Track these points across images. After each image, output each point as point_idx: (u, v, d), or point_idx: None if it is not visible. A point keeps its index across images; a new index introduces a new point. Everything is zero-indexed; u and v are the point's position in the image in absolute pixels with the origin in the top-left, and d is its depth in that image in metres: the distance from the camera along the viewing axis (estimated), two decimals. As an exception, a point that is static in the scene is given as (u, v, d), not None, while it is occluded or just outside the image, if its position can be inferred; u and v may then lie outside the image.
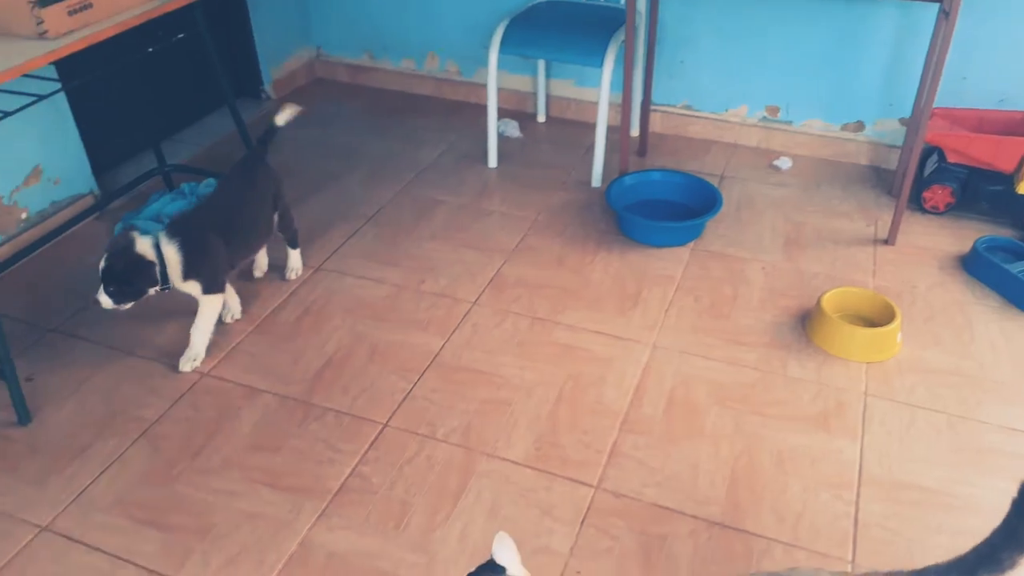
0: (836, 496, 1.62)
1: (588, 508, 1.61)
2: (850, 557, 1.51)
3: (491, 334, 2.06)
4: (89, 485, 1.65)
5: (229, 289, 2.05)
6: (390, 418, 1.82)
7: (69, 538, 1.54)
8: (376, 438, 1.77)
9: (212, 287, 1.93)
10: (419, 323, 2.10)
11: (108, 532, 1.55)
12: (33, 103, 1.75)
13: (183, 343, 1.99)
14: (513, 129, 3.01)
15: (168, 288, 1.87)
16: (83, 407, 1.84)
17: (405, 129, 3.08)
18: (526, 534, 1.54)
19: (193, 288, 1.90)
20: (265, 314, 2.13)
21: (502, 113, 2.96)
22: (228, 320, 2.09)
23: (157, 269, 1.83)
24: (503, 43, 2.60)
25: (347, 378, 1.93)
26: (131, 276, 1.81)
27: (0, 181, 2.22)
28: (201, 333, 1.96)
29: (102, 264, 1.79)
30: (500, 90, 2.76)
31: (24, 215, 2.32)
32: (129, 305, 1.85)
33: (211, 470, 1.69)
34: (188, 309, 2.02)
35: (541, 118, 3.14)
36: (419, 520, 1.58)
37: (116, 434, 1.77)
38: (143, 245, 1.82)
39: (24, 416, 1.79)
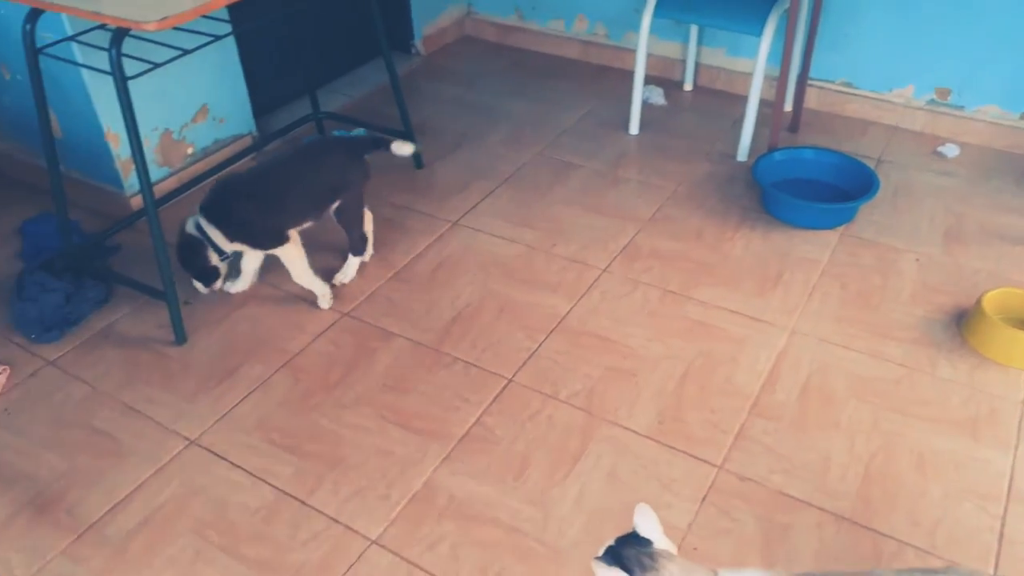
0: (980, 507, 1.52)
1: (710, 487, 1.58)
2: (991, 573, 1.41)
3: (620, 302, 2.04)
4: (234, 407, 1.77)
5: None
6: (515, 374, 1.84)
7: (214, 453, 1.66)
8: (501, 392, 1.80)
9: (265, 243, 1.97)
10: (548, 285, 2.11)
11: (249, 452, 1.66)
12: (209, 43, 1.86)
13: (328, 281, 2.09)
14: (658, 96, 2.94)
15: (227, 256, 1.96)
16: (232, 334, 1.97)
17: (547, 91, 3.07)
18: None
19: (244, 247, 1.98)
20: (404, 263, 2.20)
21: (647, 80, 2.89)
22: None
23: (207, 245, 1.91)
24: (658, 6, 2.53)
25: (476, 331, 1.97)
26: (191, 259, 1.92)
27: (172, 117, 2.37)
28: (299, 278, 2.03)
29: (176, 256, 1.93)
30: (648, 56, 2.70)
31: (190, 151, 2.47)
32: (219, 284, 2.00)
33: (345, 405, 1.77)
34: (335, 249, 2.12)
35: (688, 87, 3.05)
36: (537, 476, 1.60)
37: (261, 362, 1.89)
38: (189, 227, 1.92)
39: (180, 337, 1.93)
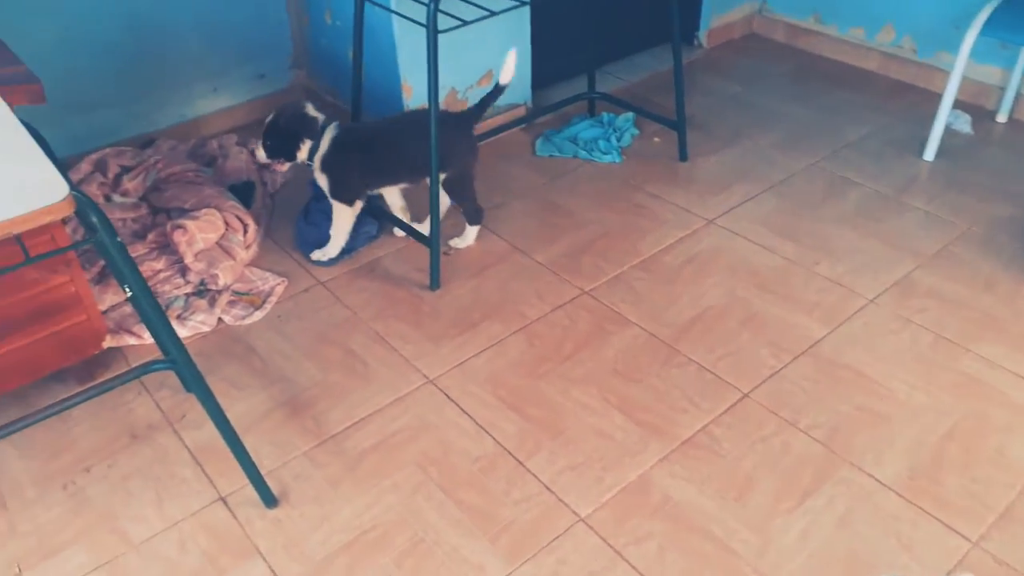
0: None
1: (959, 562, 1.39)
2: None
3: (884, 339, 1.85)
4: (471, 357, 1.84)
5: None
6: (752, 390, 1.74)
7: (447, 396, 1.74)
8: (734, 404, 1.71)
9: (338, 194, 2.00)
10: (805, 304, 1.97)
11: (478, 403, 1.72)
12: (515, 7, 1.92)
13: (576, 263, 2.11)
14: (964, 124, 2.63)
15: (310, 165, 1.97)
16: (480, 290, 2.05)
17: (833, 101, 2.86)
18: (877, 560, 1.38)
19: (324, 183, 1.99)
20: (651, 253, 2.16)
21: (955, 104, 2.59)
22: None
23: (319, 128, 1.93)
24: (987, 24, 2.25)
25: (716, 336, 1.88)
26: (292, 129, 1.92)
27: (459, 77, 2.50)
28: (335, 234, 2.06)
29: (268, 118, 1.94)
30: (960, 78, 2.41)
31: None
32: (283, 165, 2.00)
33: (573, 379, 1.77)
34: (587, 233, 2.12)
35: (1002, 118, 2.69)
36: (761, 501, 1.50)
37: (501, 321, 1.94)
38: (314, 111, 1.96)
39: (435, 282, 2.04)
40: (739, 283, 2.04)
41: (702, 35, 3.24)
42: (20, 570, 1.38)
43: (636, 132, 2.69)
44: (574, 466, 1.58)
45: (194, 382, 1.36)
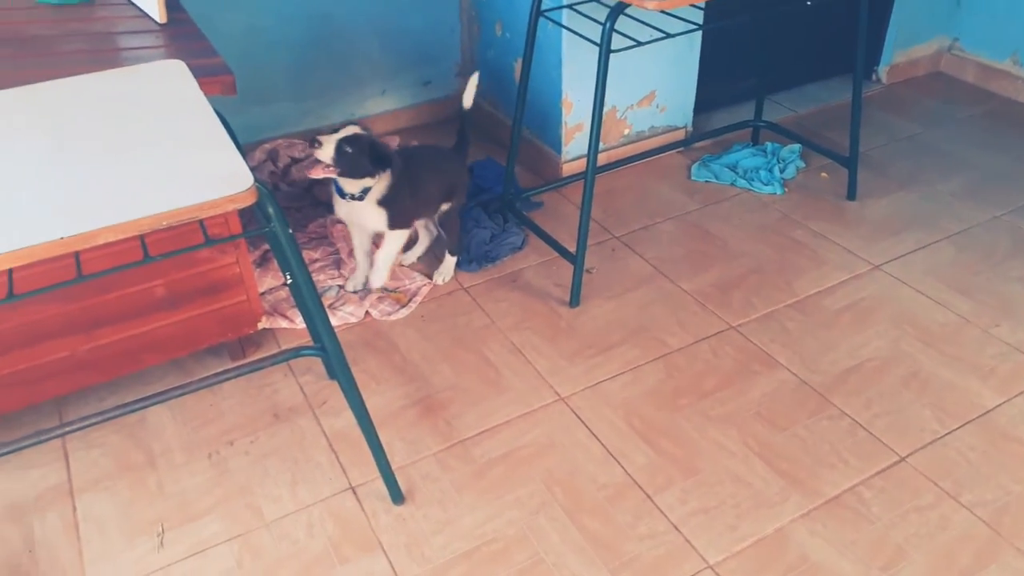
0: None
1: None
2: None
3: (1071, 417, 1.66)
4: (605, 380, 1.79)
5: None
6: (911, 454, 1.59)
7: (578, 416, 1.70)
8: (889, 467, 1.57)
9: (398, 223, 1.90)
10: (978, 368, 1.79)
11: (609, 428, 1.67)
12: (691, 31, 1.87)
13: (725, 295, 2.02)
14: None
15: (355, 198, 1.81)
16: (620, 313, 2.00)
17: (1028, 150, 2.61)
18: (1049, 668, 1.22)
19: (378, 217, 1.86)
20: (808, 293, 2.03)
21: None
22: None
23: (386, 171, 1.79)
24: None
25: (874, 391, 1.74)
26: (382, 156, 1.74)
27: (621, 96, 2.47)
28: (384, 259, 1.95)
29: (354, 129, 1.73)
30: None
31: (627, 131, 2.56)
32: (319, 171, 1.72)
33: (713, 418, 1.69)
34: (739, 265, 2.04)
35: None
36: (912, 577, 1.37)
37: (639, 346, 1.88)
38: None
39: (575, 300, 2.01)
40: (904, 336, 1.89)
41: (882, 70, 3.05)
42: (163, 530, 1.46)
43: (802, 165, 2.56)
44: (707, 509, 1.50)
45: (341, 371, 1.40)
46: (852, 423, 1.67)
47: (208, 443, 1.64)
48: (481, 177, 2.50)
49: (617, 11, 1.65)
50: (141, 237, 0.98)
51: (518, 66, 2.51)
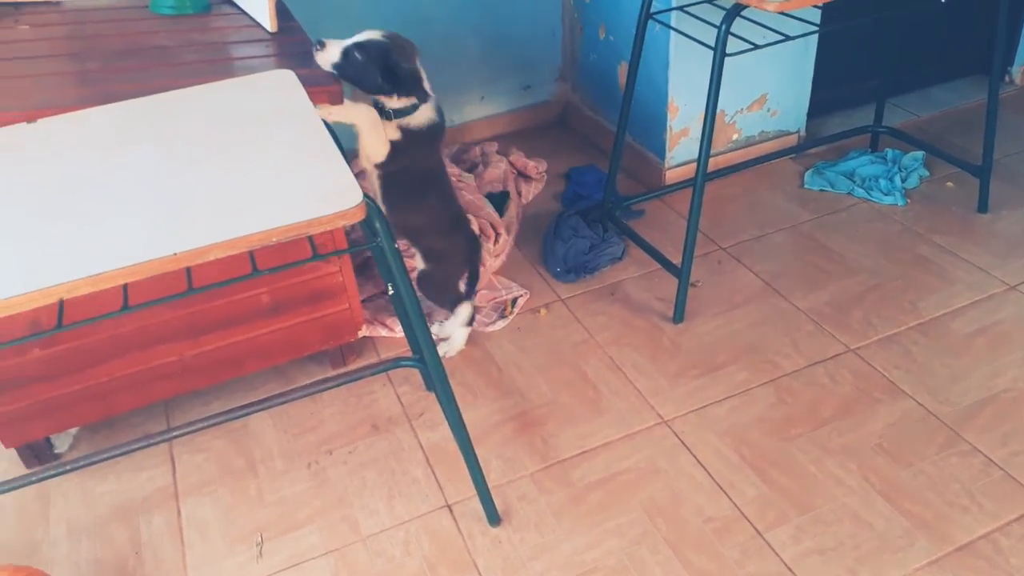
0: None
1: None
2: None
3: None
4: (711, 404, 1.70)
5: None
6: (1056, 500, 1.44)
7: (682, 442, 1.62)
8: (1031, 514, 1.43)
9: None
10: None
11: (715, 456, 1.58)
12: (810, 33, 1.76)
13: (843, 314, 1.90)
14: None
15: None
16: (727, 330, 1.90)
17: None
18: None
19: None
20: (935, 315, 1.88)
21: None
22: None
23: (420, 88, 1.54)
24: None
25: (1011, 426, 1.59)
26: (382, 67, 1.48)
27: (731, 100, 2.36)
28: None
29: (373, 34, 1.50)
30: None
31: (735, 136, 2.44)
32: (334, 72, 1.49)
33: (830, 449, 1.58)
34: (858, 282, 1.90)
35: None
36: (1061, 642, 1.23)
37: (748, 368, 1.78)
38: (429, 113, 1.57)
39: (679, 315, 1.92)
40: (1046, 366, 1.72)
41: (1015, 71, 2.81)
42: (262, 539, 1.47)
43: (926, 174, 2.39)
44: (822, 550, 1.39)
45: (439, 384, 1.37)
46: (986, 461, 1.53)
47: (308, 452, 1.65)
48: (580, 184, 2.44)
49: (734, 13, 1.56)
50: (251, 251, 0.97)
51: (622, 70, 2.44)
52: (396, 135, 1.57)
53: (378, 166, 1.61)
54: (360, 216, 0.97)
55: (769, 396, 1.71)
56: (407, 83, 1.52)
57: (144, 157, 1.10)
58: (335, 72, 1.50)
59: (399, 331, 1.92)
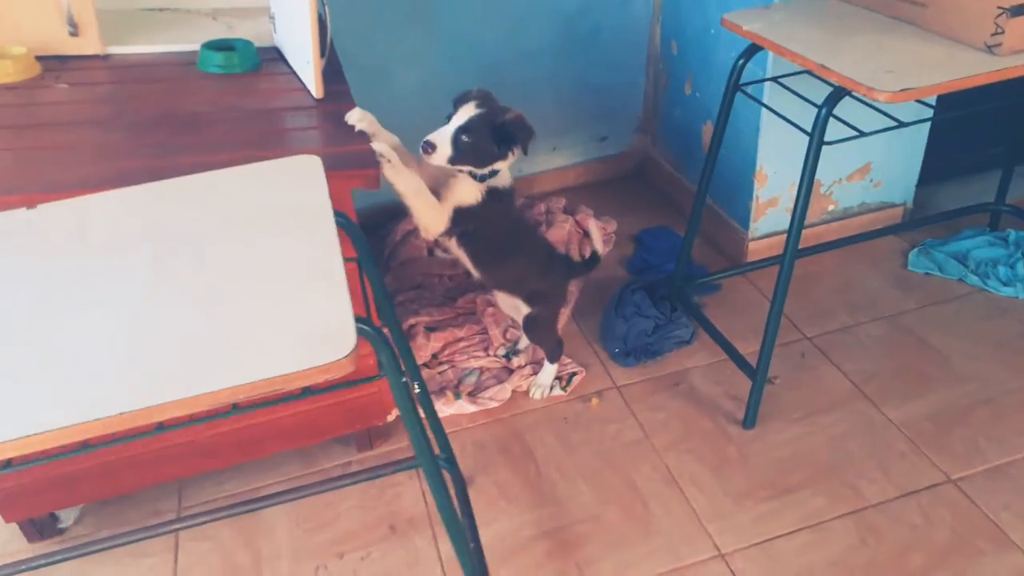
0: None
1: None
2: None
3: None
4: (779, 537, 1.47)
5: None
6: None
7: (739, 582, 1.39)
8: None
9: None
10: None
11: (778, 605, 1.35)
12: (924, 120, 1.50)
13: (945, 433, 1.63)
14: None
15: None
16: (805, 441, 1.65)
17: None
18: None
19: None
20: (1061, 447, 1.59)
21: None
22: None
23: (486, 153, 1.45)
24: None
25: None
26: (494, 136, 1.43)
27: (828, 168, 2.10)
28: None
29: (470, 109, 1.42)
30: None
31: (831, 208, 2.18)
32: (450, 165, 1.43)
33: (919, 617, 1.32)
34: (966, 393, 1.63)
35: None
36: None
37: (827, 494, 1.54)
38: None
39: (750, 420, 1.69)
40: None
41: None
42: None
43: (1056, 264, 2.06)
44: None
45: (442, 507, 1.19)
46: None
47: (318, 553, 1.50)
48: (651, 250, 2.23)
49: (835, 98, 1.33)
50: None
51: (706, 130, 2.22)
52: (478, 197, 1.50)
53: (453, 234, 1.53)
54: (350, 368, 0.81)
55: (849, 533, 1.46)
56: (520, 137, 1.47)
57: (127, 274, 0.96)
58: (451, 164, 1.44)
59: (436, 409, 1.76)
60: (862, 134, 1.40)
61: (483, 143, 1.44)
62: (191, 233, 1.04)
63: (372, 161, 1.32)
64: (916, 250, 2.15)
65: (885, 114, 1.43)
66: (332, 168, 1.22)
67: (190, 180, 1.14)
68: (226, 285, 0.93)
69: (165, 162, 1.28)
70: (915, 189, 2.25)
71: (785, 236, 1.49)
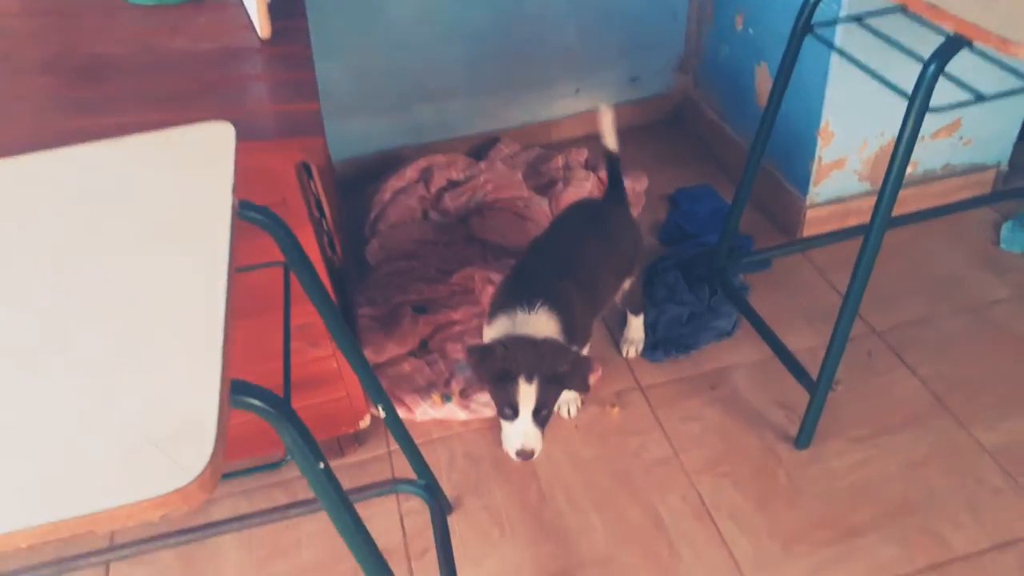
0: None
1: None
2: None
3: None
4: (839, 596, 1.17)
5: None
6: None
7: (788, 658, 1.10)
8: None
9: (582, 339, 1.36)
10: None
11: None
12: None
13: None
14: None
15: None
16: (872, 468, 1.34)
17: None
18: None
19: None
20: None
21: None
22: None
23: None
24: None
25: None
26: (576, 369, 1.21)
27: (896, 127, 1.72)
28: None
29: (520, 366, 1.17)
30: None
31: (909, 169, 1.79)
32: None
33: None
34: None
35: None
36: None
37: (899, 540, 1.23)
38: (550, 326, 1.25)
39: (804, 439, 1.37)
40: None
41: None
42: None
43: None
44: None
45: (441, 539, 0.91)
46: None
47: (269, 591, 1.24)
48: (689, 216, 1.88)
49: (950, 50, 0.96)
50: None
51: (761, 72, 1.84)
52: None
53: None
54: (205, 493, 0.50)
55: (929, 596, 1.16)
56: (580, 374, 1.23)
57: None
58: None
59: (422, 413, 1.47)
60: (982, 98, 1.03)
61: (556, 395, 1.22)
62: (20, 248, 0.72)
63: (319, 126, 0.99)
64: (1011, 223, 1.78)
65: (1012, 70, 1.06)
66: (271, 136, 0.90)
67: (50, 158, 0.82)
68: (40, 343, 0.61)
69: (41, 125, 0.97)
70: (1012, 148, 1.86)
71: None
